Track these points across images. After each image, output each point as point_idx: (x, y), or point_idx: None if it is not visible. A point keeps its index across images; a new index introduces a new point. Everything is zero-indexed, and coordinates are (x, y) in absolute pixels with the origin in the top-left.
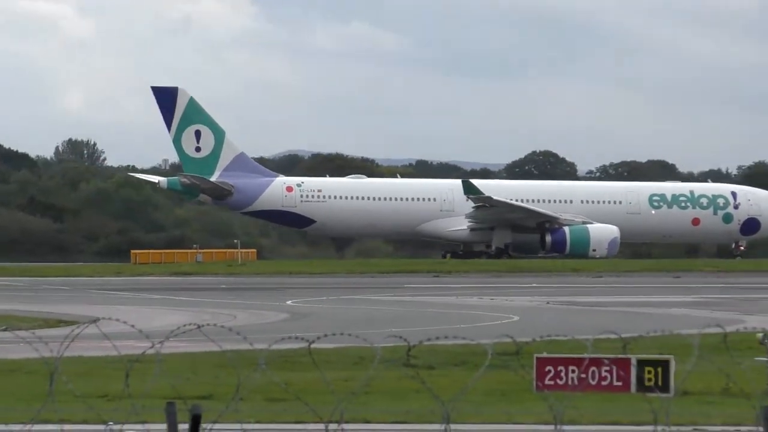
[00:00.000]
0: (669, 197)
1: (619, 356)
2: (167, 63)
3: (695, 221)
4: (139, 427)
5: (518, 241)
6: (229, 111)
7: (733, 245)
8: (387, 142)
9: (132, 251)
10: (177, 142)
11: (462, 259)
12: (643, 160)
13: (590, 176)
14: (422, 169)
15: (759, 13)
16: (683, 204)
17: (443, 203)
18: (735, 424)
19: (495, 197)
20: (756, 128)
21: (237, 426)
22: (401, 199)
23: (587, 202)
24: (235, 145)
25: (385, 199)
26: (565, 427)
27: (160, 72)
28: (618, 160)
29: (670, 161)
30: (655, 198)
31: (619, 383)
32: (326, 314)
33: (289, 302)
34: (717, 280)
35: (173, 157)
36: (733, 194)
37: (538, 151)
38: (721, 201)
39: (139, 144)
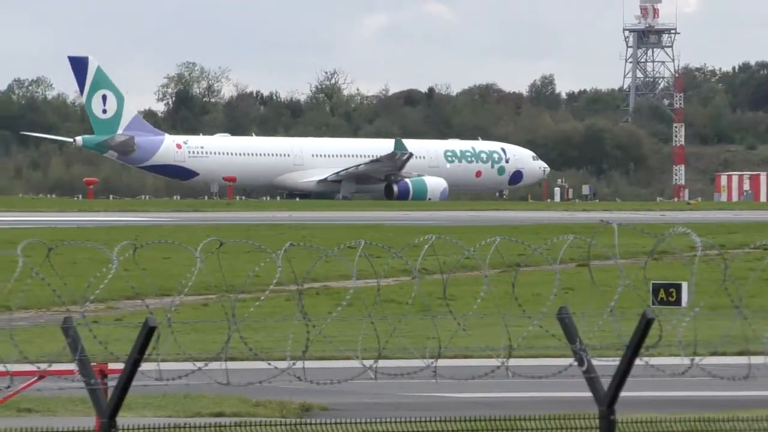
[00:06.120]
0: (459, 153)
1: None
2: None
3: (478, 173)
4: None
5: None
6: None
7: (497, 193)
8: None
9: None
10: (88, 104)
11: None
12: None
13: None
14: None
15: None
16: (469, 159)
17: (295, 158)
18: None
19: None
20: None
21: None
22: (262, 155)
23: None
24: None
25: (250, 155)
26: None
27: None
28: None
29: None
30: (448, 153)
31: None
32: None
33: None
34: None
35: None
36: (503, 150)
37: None
38: (495, 156)
39: None
